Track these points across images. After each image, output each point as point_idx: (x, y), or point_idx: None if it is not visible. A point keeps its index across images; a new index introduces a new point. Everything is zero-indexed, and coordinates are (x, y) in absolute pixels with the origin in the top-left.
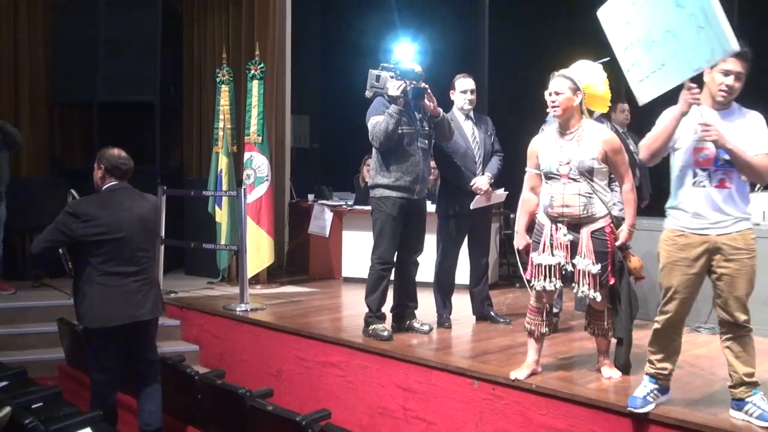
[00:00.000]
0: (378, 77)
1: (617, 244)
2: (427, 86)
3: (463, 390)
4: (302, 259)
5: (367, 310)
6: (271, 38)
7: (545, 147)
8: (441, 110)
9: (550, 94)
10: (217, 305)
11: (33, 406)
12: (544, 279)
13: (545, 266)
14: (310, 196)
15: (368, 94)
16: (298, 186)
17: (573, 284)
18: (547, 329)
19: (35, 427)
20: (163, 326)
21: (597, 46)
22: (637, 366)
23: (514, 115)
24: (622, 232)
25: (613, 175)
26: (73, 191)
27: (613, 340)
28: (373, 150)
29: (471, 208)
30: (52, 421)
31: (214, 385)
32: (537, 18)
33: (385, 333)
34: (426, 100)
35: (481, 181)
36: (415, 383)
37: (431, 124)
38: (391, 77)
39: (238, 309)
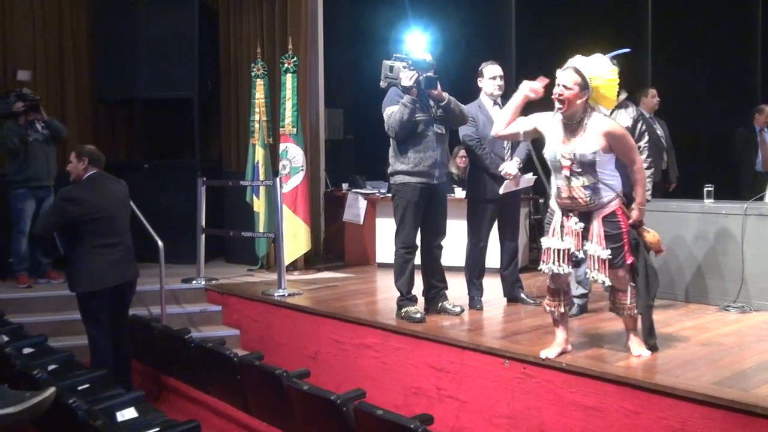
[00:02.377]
0: (391, 68)
1: (630, 222)
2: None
3: (494, 369)
4: (338, 246)
5: (398, 294)
6: (304, 33)
7: (549, 134)
8: (446, 94)
9: (558, 85)
10: (256, 291)
11: (79, 388)
12: (553, 263)
13: (554, 250)
14: (345, 185)
15: (383, 84)
16: (334, 176)
17: (585, 269)
18: (565, 308)
19: (78, 407)
20: (206, 312)
21: (626, 32)
22: (669, 343)
23: (543, 103)
24: (633, 211)
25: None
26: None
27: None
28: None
29: (500, 192)
30: (96, 402)
31: (253, 366)
32: (566, 2)
33: (418, 315)
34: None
35: (509, 167)
36: (447, 363)
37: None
38: (404, 67)
39: (276, 294)
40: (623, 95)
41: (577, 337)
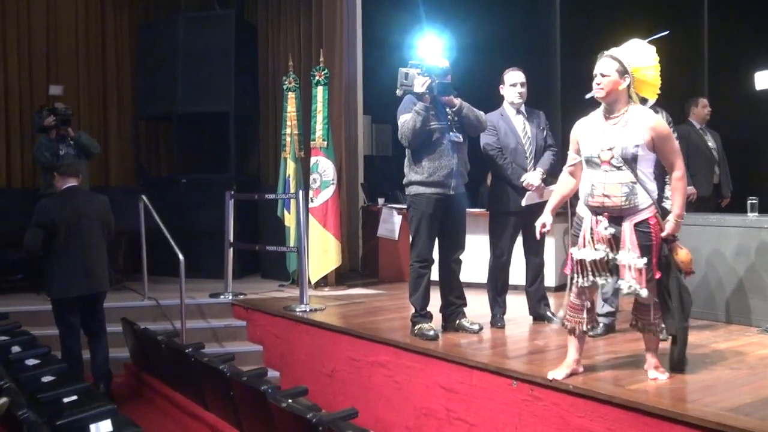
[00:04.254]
0: (407, 75)
1: (662, 235)
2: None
3: (502, 391)
4: (375, 262)
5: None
6: (339, 46)
7: (588, 131)
8: (459, 100)
9: (595, 75)
10: (280, 306)
11: (65, 399)
12: (587, 275)
13: (589, 262)
14: (380, 200)
15: (399, 92)
16: (377, 191)
17: (619, 281)
18: (588, 327)
19: (26, 419)
20: (230, 327)
21: (681, 38)
22: (694, 366)
23: (590, 107)
24: (668, 223)
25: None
26: (144, 197)
27: (664, 342)
28: (406, 149)
29: (522, 204)
30: (73, 413)
31: (241, 382)
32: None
33: (431, 332)
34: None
35: (532, 177)
36: (457, 383)
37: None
38: (418, 74)
39: (297, 309)
40: (651, 101)
41: (596, 358)
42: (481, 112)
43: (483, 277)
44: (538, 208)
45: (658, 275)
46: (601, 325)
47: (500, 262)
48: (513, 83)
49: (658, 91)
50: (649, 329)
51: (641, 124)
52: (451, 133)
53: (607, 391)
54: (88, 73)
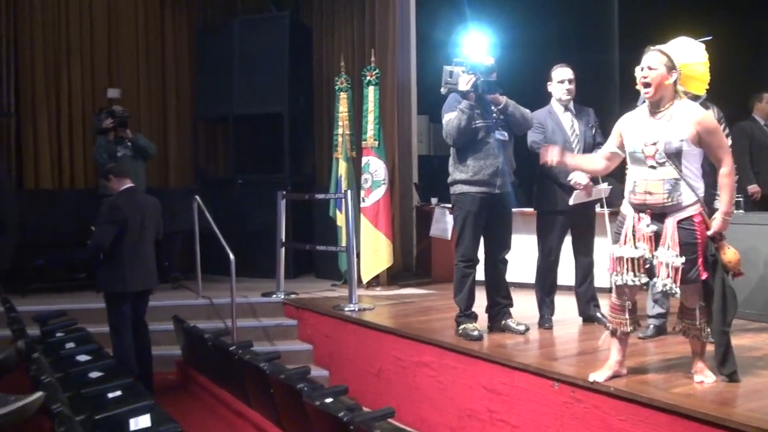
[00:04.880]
0: (451, 73)
1: (709, 233)
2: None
3: (544, 392)
4: (428, 261)
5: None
6: (391, 45)
7: (632, 126)
8: (505, 98)
9: (642, 69)
10: (329, 306)
11: (110, 395)
12: (626, 273)
13: (627, 259)
14: (434, 200)
15: (443, 90)
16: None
17: (654, 279)
18: (631, 327)
19: (59, 413)
20: (281, 326)
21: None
22: (744, 370)
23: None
24: (715, 221)
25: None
26: (197, 197)
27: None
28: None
29: (570, 203)
30: (113, 408)
31: (279, 380)
32: None
33: (475, 333)
34: None
35: (580, 176)
36: (499, 384)
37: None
38: (463, 72)
39: (346, 309)
40: (702, 96)
41: (643, 360)
42: (527, 110)
43: (531, 278)
44: (586, 208)
45: (704, 276)
46: (651, 326)
47: (548, 261)
48: (561, 80)
49: (707, 87)
50: (695, 334)
51: (687, 118)
52: (496, 132)
53: (648, 394)
54: (147, 75)
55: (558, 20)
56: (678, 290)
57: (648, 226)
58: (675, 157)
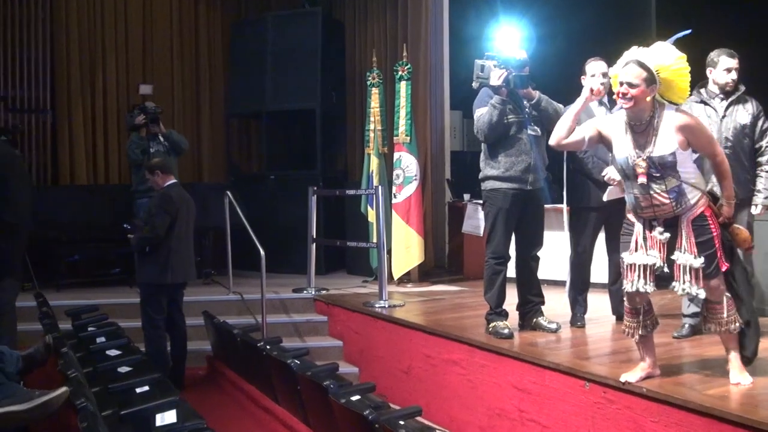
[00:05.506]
0: (483, 67)
1: (720, 221)
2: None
3: (575, 392)
4: (460, 258)
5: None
6: (424, 40)
7: (617, 135)
8: (537, 93)
9: (621, 84)
10: (360, 302)
11: (138, 390)
12: (638, 280)
13: (639, 266)
14: (466, 196)
15: (474, 85)
16: (469, 188)
17: (673, 283)
18: (645, 330)
19: (83, 408)
20: (311, 322)
21: None
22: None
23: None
24: (723, 208)
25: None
26: (229, 193)
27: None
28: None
29: (604, 200)
30: (140, 403)
31: (305, 377)
32: None
33: (506, 331)
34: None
35: (613, 171)
36: (529, 383)
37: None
38: (494, 66)
39: (376, 305)
40: (741, 88)
41: (677, 361)
42: (561, 105)
43: (563, 275)
44: (620, 204)
45: (724, 267)
46: (686, 325)
47: (581, 258)
48: (594, 74)
49: (687, 96)
50: (725, 329)
51: (670, 127)
52: (528, 127)
53: (682, 396)
54: (182, 71)
55: (593, 12)
56: (702, 291)
57: (662, 233)
58: (671, 168)
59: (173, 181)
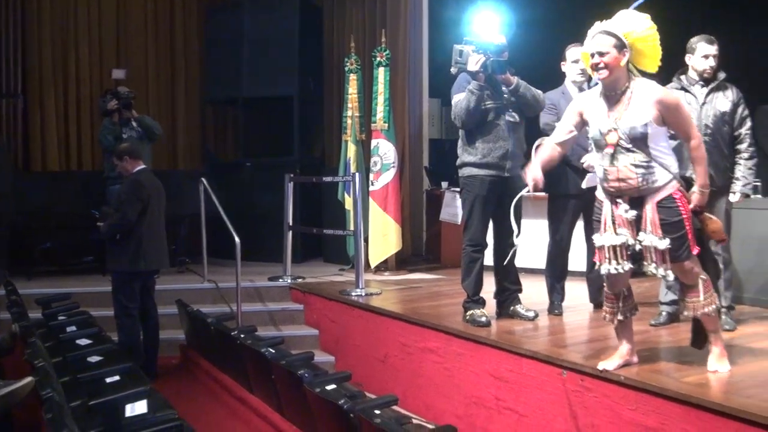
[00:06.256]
0: (461, 52)
1: (690, 207)
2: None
3: (552, 380)
4: (438, 246)
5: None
6: (403, 26)
7: (592, 110)
8: (516, 78)
9: (593, 55)
10: (336, 290)
11: (108, 380)
12: (610, 262)
13: (608, 247)
14: (444, 184)
15: (453, 70)
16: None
17: (643, 262)
18: (624, 315)
19: (48, 398)
20: (287, 311)
21: None
22: (757, 359)
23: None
24: (694, 195)
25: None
26: (204, 180)
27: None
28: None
29: (582, 187)
30: (110, 393)
31: (280, 366)
32: None
33: (483, 319)
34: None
35: (593, 158)
36: (506, 372)
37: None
38: (473, 51)
39: (353, 294)
40: (722, 75)
41: (656, 348)
42: (539, 91)
43: (541, 263)
44: None
45: (695, 251)
46: (663, 313)
47: (559, 246)
48: (575, 59)
49: (659, 63)
50: (701, 312)
51: (646, 99)
52: (507, 113)
53: (659, 383)
54: (156, 57)
55: None
56: (669, 273)
57: (627, 211)
58: (641, 141)
59: (142, 166)
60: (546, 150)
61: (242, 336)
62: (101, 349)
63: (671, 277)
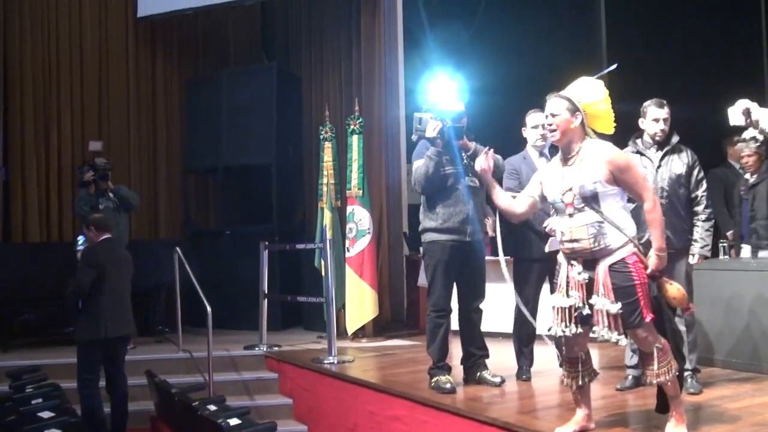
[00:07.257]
0: (420, 120)
1: (648, 273)
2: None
3: None
4: (418, 312)
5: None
6: (378, 93)
7: (549, 176)
8: (474, 144)
9: (546, 117)
10: (310, 359)
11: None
12: (558, 324)
13: (557, 309)
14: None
15: (414, 137)
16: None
17: (594, 327)
18: (583, 381)
19: None
20: (262, 379)
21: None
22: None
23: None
24: (650, 259)
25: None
26: (178, 249)
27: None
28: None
29: (546, 251)
30: None
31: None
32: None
33: (448, 386)
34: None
35: (555, 222)
36: None
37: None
38: (431, 118)
39: (325, 362)
40: (675, 138)
41: (618, 413)
42: (499, 156)
43: (509, 327)
44: None
45: (648, 318)
46: (629, 377)
47: (526, 310)
48: (535, 125)
49: (614, 124)
50: (657, 380)
51: (597, 158)
52: (466, 178)
53: None
54: (138, 128)
55: (533, 63)
56: (620, 338)
57: (580, 273)
58: (593, 200)
59: (107, 236)
60: (513, 199)
61: (207, 406)
62: (61, 421)
63: (623, 342)
